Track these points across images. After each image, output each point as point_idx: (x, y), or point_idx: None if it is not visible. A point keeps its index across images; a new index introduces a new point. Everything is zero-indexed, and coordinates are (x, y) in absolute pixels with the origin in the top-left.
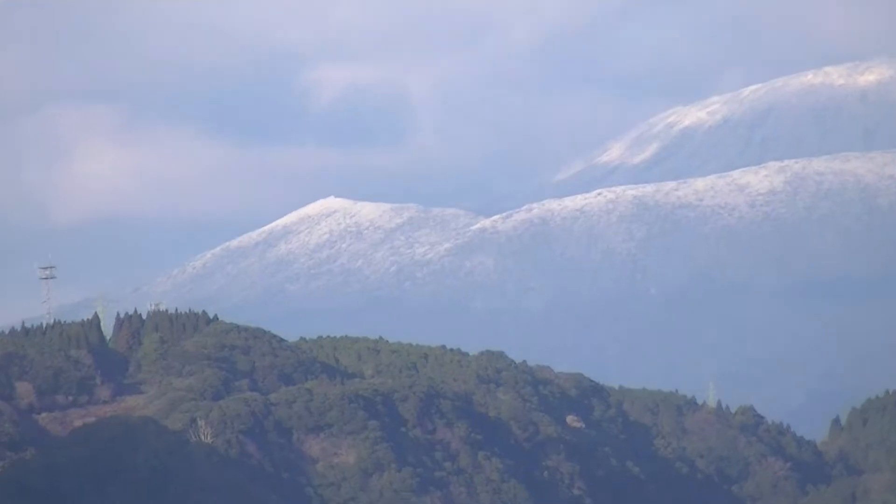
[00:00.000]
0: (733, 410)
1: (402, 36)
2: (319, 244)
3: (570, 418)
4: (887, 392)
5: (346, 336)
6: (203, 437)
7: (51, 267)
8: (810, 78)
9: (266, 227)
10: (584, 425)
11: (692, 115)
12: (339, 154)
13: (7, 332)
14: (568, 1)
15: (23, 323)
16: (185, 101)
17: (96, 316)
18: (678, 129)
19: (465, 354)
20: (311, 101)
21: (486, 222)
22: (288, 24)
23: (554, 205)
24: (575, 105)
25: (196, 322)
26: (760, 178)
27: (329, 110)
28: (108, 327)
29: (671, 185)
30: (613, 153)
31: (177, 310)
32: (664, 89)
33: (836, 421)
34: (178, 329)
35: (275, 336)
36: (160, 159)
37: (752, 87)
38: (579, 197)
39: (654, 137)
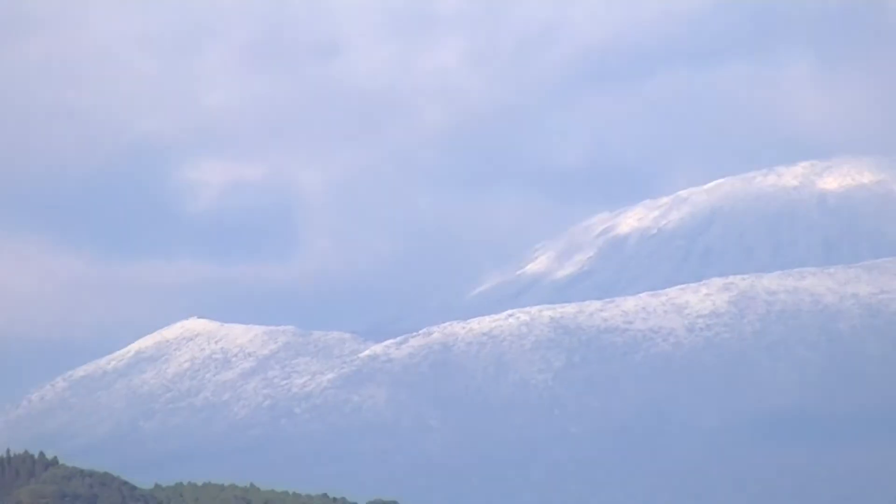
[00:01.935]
0: None
1: (293, 124)
2: (179, 373)
3: None
4: None
5: (209, 482)
6: None
7: None
8: (760, 179)
9: (117, 353)
10: None
11: (622, 223)
12: (211, 267)
13: None
14: (486, 81)
15: None
16: (31, 204)
17: None
18: (606, 239)
19: None
20: (184, 203)
21: (376, 348)
22: (157, 110)
23: (458, 328)
24: (497, 205)
25: (32, 466)
26: (701, 297)
27: (202, 214)
28: None
29: (595, 304)
30: (541, 263)
31: (9, 451)
32: (595, 189)
33: None
34: (11, 475)
35: (126, 483)
36: None
37: (693, 189)
38: (487, 319)
39: (579, 247)
